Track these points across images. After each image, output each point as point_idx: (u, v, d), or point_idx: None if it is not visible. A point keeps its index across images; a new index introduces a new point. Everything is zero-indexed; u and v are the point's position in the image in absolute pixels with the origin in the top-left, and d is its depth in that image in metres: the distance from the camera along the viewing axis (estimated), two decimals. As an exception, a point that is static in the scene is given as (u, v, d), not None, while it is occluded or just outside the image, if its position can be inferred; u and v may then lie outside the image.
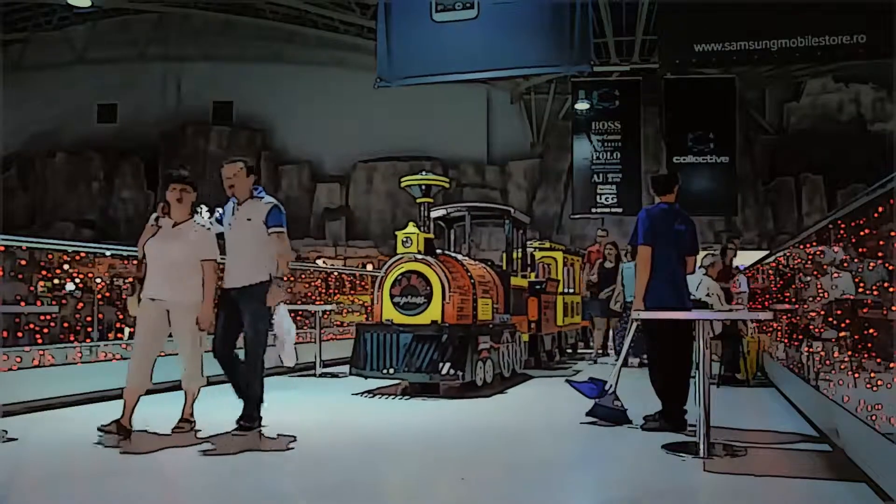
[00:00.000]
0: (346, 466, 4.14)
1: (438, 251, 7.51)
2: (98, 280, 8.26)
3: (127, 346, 6.67)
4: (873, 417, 3.66)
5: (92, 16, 23.38)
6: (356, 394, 7.03)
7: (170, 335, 4.87)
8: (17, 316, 7.06)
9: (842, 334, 4.73)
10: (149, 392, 4.83)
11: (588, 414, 5.40)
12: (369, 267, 19.60)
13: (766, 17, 10.84)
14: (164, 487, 3.77)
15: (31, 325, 6.77)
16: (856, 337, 4.44)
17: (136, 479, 3.81)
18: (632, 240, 5.51)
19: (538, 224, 21.47)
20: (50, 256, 7.31)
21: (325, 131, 23.52)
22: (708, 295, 7.92)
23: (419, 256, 7.09)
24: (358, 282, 12.87)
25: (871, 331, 4.14)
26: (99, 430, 4.53)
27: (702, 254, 7.30)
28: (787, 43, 10.79)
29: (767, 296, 9.02)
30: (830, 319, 5.11)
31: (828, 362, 5.11)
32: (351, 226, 23.49)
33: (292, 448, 4.52)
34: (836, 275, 4.95)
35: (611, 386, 5.43)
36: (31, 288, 9.33)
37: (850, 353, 4.45)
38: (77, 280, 8.77)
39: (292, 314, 9.98)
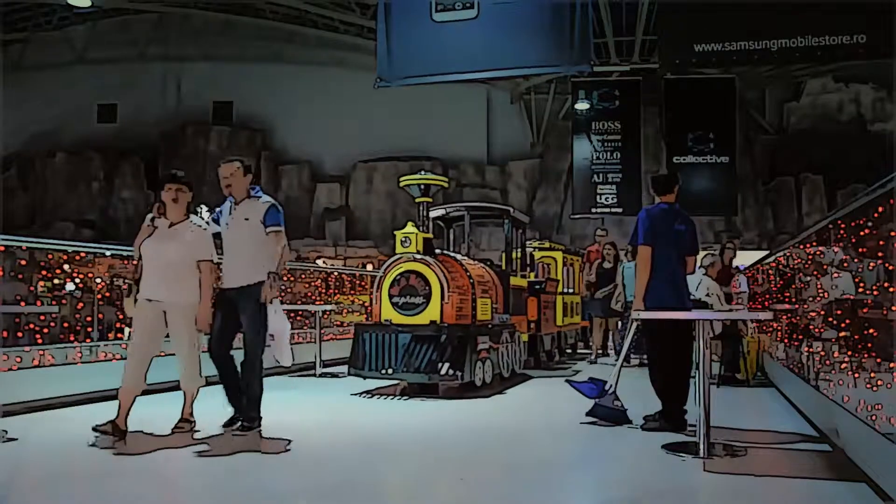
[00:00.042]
0: (346, 466, 4.14)
1: (437, 251, 7.49)
2: (98, 280, 8.26)
3: (127, 346, 6.66)
4: (873, 417, 3.66)
5: (92, 16, 23.39)
6: (355, 394, 7.03)
7: (167, 335, 4.87)
8: (17, 316, 7.05)
9: (842, 334, 4.72)
10: (149, 392, 4.83)
11: (588, 414, 5.40)
12: (369, 267, 19.59)
13: (766, 17, 10.84)
14: (164, 487, 3.77)
15: (31, 325, 6.76)
16: (856, 337, 4.44)
17: (136, 480, 3.81)
18: (632, 240, 5.51)
19: (538, 224, 21.48)
20: (50, 256, 7.30)
21: (325, 131, 23.53)
22: (708, 295, 7.92)
23: (418, 256, 7.08)
24: (358, 282, 12.87)
25: (871, 331, 4.14)
26: (94, 430, 4.50)
27: (701, 254, 7.30)
28: (787, 43, 10.79)
29: (767, 296, 9.02)
30: (830, 319, 5.11)
31: (828, 362, 5.11)
32: (351, 226, 23.51)
33: (292, 448, 4.51)
34: (836, 275, 4.95)
35: (611, 386, 5.43)
36: (31, 288, 9.32)
37: (850, 353, 4.45)
38: (77, 280, 8.77)
39: (292, 314, 10.02)
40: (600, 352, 11.09)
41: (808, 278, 5.98)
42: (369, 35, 18.67)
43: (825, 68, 21.05)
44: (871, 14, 10.11)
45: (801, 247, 6.33)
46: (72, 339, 6.91)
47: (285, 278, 10.40)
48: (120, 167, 24.39)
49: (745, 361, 8.11)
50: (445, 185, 7.82)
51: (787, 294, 7.33)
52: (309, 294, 11.28)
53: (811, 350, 5.73)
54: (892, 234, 3.61)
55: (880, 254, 3.85)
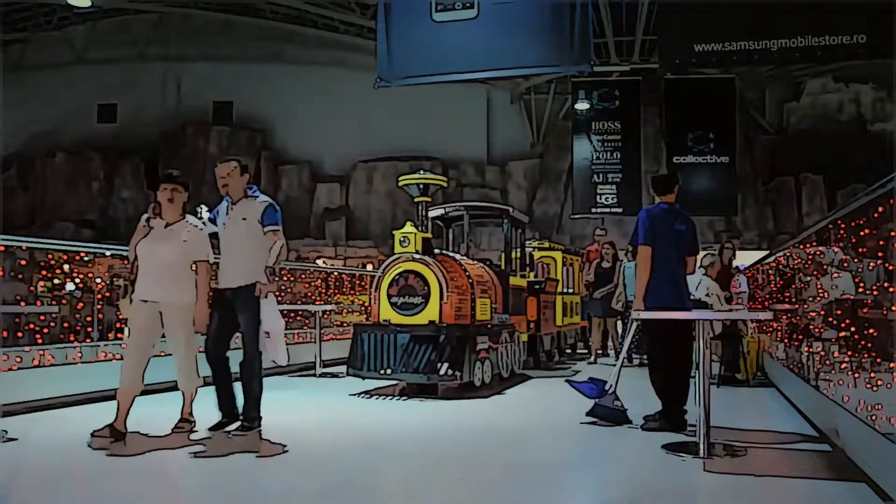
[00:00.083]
0: (345, 466, 4.14)
1: (437, 251, 7.48)
2: (98, 280, 8.25)
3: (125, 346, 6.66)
4: (873, 417, 3.66)
5: (92, 16, 23.38)
6: (354, 394, 7.02)
7: (163, 336, 4.85)
8: (17, 316, 7.05)
9: (842, 334, 4.72)
10: (148, 392, 4.82)
11: (588, 414, 5.40)
12: (369, 267, 19.58)
13: (766, 17, 10.84)
14: (163, 488, 3.76)
15: (31, 325, 6.76)
16: (856, 337, 4.44)
17: (135, 480, 3.81)
18: (632, 240, 5.52)
19: (538, 224, 21.49)
20: (50, 256, 7.30)
21: (325, 131, 23.53)
22: (708, 295, 7.92)
23: (417, 256, 7.07)
24: (358, 282, 12.87)
25: (871, 331, 4.13)
26: (93, 435, 4.46)
27: (701, 254, 7.30)
28: (787, 43, 10.79)
29: (767, 296, 9.01)
30: (830, 319, 5.11)
31: (828, 362, 5.11)
32: (351, 226, 23.50)
33: (291, 448, 4.51)
34: (836, 275, 4.95)
35: (611, 386, 5.43)
36: (31, 288, 9.32)
37: (849, 353, 4.45)
38: (77, 280, 8.78)
39: (292, 314, 10.01)
40: (599, 352, 11.09)
41: (808, 278, 5.98)
42: (369, 35, 18.66)
43: (825, 68, 21.05)
44: (871, 14, 10.12)
45: (801, 247, 6.33)
46: (72, 339, 6.91)
47: (285, 278, 10.41)
48: (120, 167, 24.38)
49: (745, 361, 8.11)
50: (444, 184, 7.81)
51: (787, 294, 7.33)
52: (309, 294, 11.28)
53: (811, 350, 5.73)
54: (892, 234, 3.61)
55: (880, 254, 3.85)
